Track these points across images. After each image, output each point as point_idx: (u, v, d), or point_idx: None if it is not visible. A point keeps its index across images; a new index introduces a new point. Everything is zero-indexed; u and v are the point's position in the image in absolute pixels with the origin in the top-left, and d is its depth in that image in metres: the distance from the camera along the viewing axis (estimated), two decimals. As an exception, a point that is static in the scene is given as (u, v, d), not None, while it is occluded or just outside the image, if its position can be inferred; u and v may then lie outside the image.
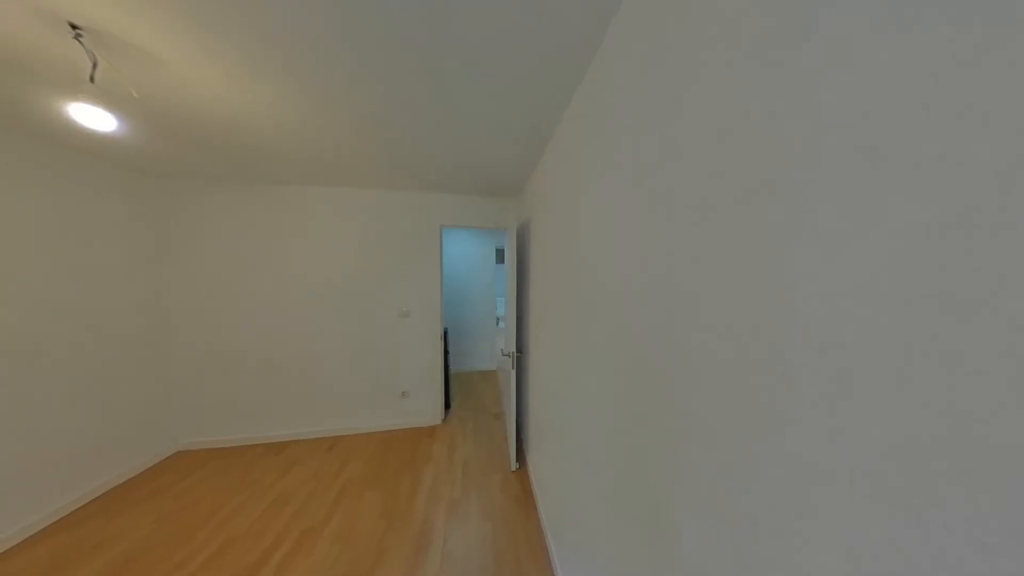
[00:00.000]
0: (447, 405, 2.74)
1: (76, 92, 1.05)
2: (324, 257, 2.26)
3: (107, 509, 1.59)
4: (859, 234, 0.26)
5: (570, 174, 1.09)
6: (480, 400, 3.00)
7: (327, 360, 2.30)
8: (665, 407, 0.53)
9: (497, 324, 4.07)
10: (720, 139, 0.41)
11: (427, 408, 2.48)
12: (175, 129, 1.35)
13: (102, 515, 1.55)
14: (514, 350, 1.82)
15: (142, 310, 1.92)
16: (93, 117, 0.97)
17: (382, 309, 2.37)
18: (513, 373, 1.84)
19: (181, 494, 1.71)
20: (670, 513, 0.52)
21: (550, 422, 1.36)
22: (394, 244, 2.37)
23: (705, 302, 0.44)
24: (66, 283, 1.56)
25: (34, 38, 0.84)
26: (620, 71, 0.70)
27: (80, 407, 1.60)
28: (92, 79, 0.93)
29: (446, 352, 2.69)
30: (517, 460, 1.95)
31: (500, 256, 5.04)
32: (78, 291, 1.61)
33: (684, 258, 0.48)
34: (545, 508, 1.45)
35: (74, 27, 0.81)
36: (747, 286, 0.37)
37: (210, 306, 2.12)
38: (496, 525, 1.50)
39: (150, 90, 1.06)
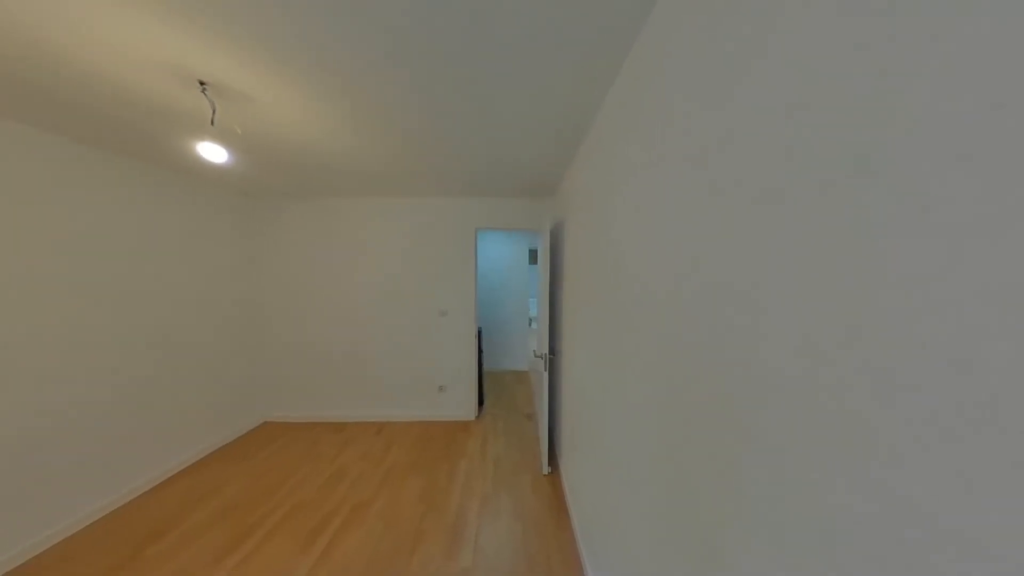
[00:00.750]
0: (480, 402, 2.82)
1: (201, 133, 1.33)
2: (375, 260, 2.51)
3: (216, 464, 1.98)
4: (1013, 221, 0.19)
5: (608, 168, 1.03)
6: (512, 399, 3.02)
7: (377, 353, 2.54)
8: (722, 427, 0.47)
9: (530, 325, 4.06)
10: (804, 108, 0.35)
11: (462, 403, 2.59)
12: (265, 157, 1.62)
13: (213, 468, 1.94)
14: (546, 351, 1.79)
15: (242, 306, 2.36)
16: (212, 152, 1.21)
17: (423, 308, 2.54)
18: (545, 375, 1.81)
19: (266, 459, 2.05)
20: (725, 547, 0.45)
21: (585, 429, 1.30)
22: (433, 247, 2.52)
23: (775, 308, 0.37)
24: (190, 284, 1.99)
25: (174, 93, 1.08)
26: (671, 43, 0.64)
27: (197, 384, 2.03)
28: (212, 122, 1.17)
29: (480, 351, 2.77)
30: (549, 463, 1.91)
31: (533, 257, 5.03)
32: (197, 291, 2.04)
33: (746, 256, 0.42)
34: (579, 518, 1.39)
35: (202, 83, 1.02)
36: (831, 289, 0.31)
37: (289, 303, 2.51)
38: (527, 527, 1.49)
39: (249, 127, 1.30)
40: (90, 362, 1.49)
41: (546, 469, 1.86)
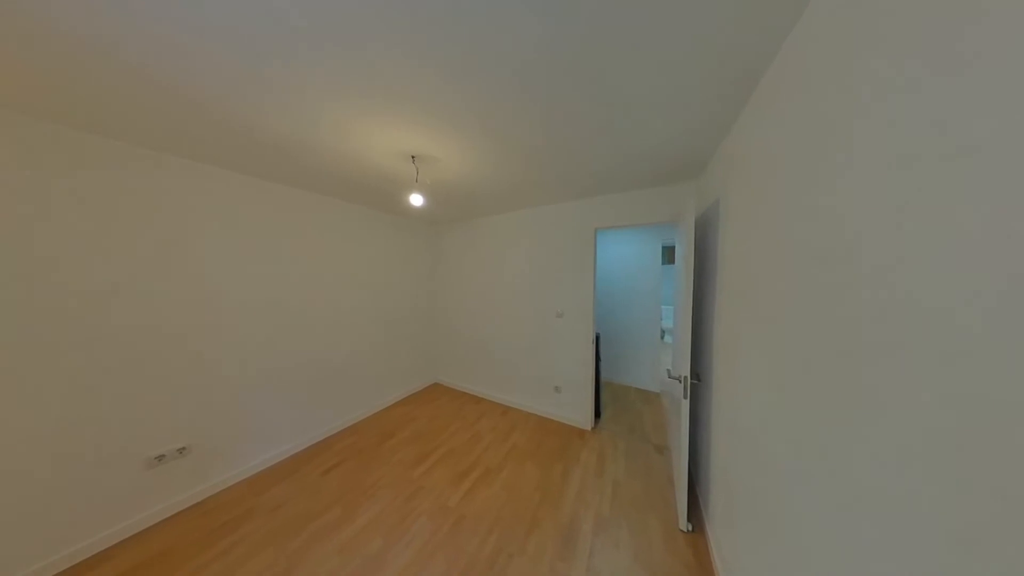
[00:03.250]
0: (597, 413, 2.63)
1: (411, 188, 2.03)
2: (504, 265, 2.94)
3: (411, 403, 2.98)
4: None
5: (814, 111, 0.67)
6: (637, 421, 2.61)
7: (504, 345, 2.95)
8: None
9: (662, 338, 3.36)
10: None
11: (578, 409, 2.51)
12: (439, 195, 2.27)
13: (410, 405, 2.93)
14: (687, 375, 1.40)
15: (426, 300, 3.43)
16: (416, 199, 1.82)
17: (541, 309, 2.68)
18: (686, 404, 1.42)
19: (435, 408, 2.86)
20: None
21: (755, 501, 0.91)
22: (551, 251, 2.61)
23: None
24: (400, 284, 3.11)
25: (398, 165, 1.72)
26: None
27: (400, 349, 3.13)
28: (416, 180, 1.77)
29: (598, 358, 2.58)
30: (690, 520, 1.49)
31: (670, 256, 4.19)
32: (403, 289, 3.14)
33: None
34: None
35: (412, 156, 1.56)
36: None
37: (451, 299, 3.40)
38: (655, 584, 1.22)
39: (433, 177, 1.85)
40: (351, 329, 2.66)
41: (685, 526, 1.45)
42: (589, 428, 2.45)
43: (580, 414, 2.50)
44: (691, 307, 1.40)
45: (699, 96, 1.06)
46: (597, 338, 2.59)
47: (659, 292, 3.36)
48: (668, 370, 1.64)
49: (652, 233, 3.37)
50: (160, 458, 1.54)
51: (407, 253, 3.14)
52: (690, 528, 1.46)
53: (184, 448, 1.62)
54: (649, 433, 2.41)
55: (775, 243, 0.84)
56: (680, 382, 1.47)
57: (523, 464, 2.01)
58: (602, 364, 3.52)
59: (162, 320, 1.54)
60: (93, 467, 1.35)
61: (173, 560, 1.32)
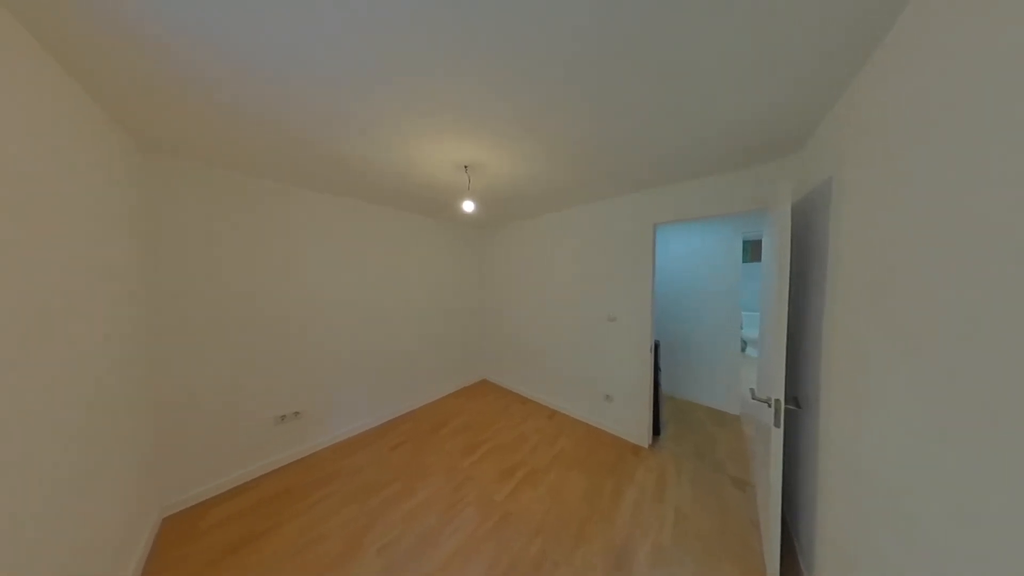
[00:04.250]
0: (656, 431, 2.35)
1: (463, 196, 2.18)
2: (551, 266, 2.88)
3: (460, 397, 3.18)
4: None
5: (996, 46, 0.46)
6: (707, 445, 2.24)
7: (551, 348, 2.90)
8: None
9: (743, 350, 2.80)
10: None
11: (632, 422, 2.29)
12: (487, 199, 2.37)
13: (459, 398, 3.13)
14: (779, 398, 1.13)
15: (474, 300, 3.62)
16: (467, 206, 1.93)
17: (590, 311, 2.54)
18: (777, 433, 1.15)
19: (482, 404, 2.99)
20: None
21: None
22: (602, 250, 2.45)
23: None
24: (452, 284, 3.34)
25: (452, 175, 1.85)
26: None
27: (451, 345, 3.35)
28: (468, 188, 1.89)
29: (656, 368, 2.31)
30: (784, 578, 1.20)
31: (755, 252, 3.53)
32: (454, 289, 3.37)
33: None
34: None
35: (465, 166, 1.67)
36: None
37: (499, 299, 3.51)
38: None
39: (482, 182, 1.94)
40: (410, 325, 2.95)
41: (776, 582, 1.18)
42: (646, 445, 2.21)
43: (635, 428, 2.27)
44: (786, 314, 1.13)
45: (800, 53, 0.85)
46: (656, 346, 2.32)
47: (738, 295, 2.81)
48: (752, 390, 1.35)
49: (728, 225, 2.86)
50: (283, 418, 2.00)
51: (457, 256, 3.36)
52: (784, 588, 1.17)
53: (298, 413, 2.07)
54: (723, 462, 2.04)
55: (934, 231, 0.61)
56: (769, 406, 1.20)
57: (570, 471, 1.93)
58: (662, 376, 3.14)
59: (285, 314, 1.99)
60: (243, 418, 1.83)
61: (291, 497, 1.70)
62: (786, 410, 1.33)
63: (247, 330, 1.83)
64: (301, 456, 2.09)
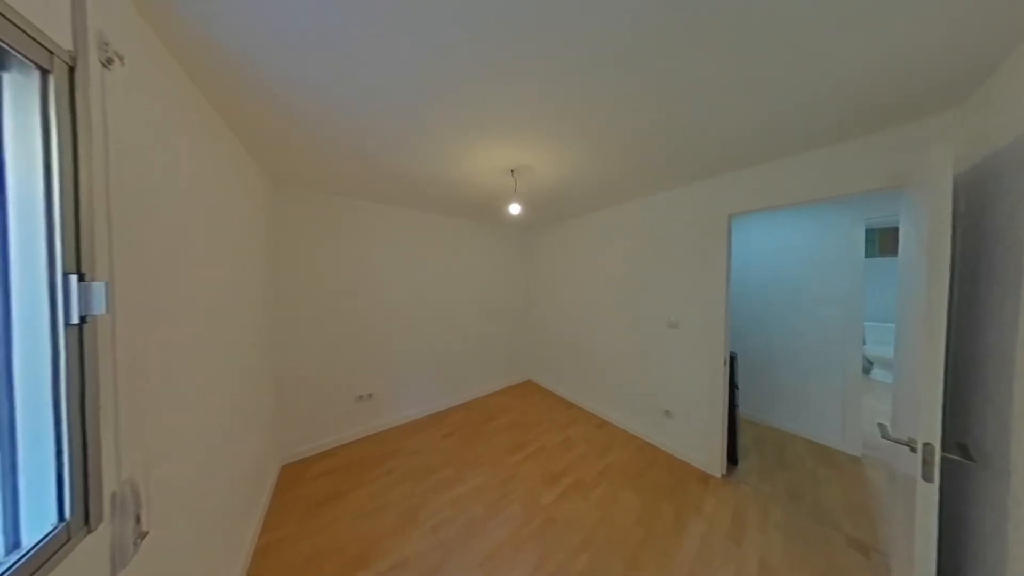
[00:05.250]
0: (732, 459, 1.98)
1: (509, 199, 2.24)
2: (601, 266, 2.72)
3: (506, 395, 3.25)
4: None
5: None
6: (808, 488, 1.78)
7: (600, 353, 2.73)
8: None
9: (866, 372, 2.14)
10: None
11: (697, 444, 1.98)
12: (533, 201, 2.38)
13: (505, 396, 3.20)
14: (933, 442, 0.82)
15: (521, 300, 3.66)
16: (514, 209, 1.99)
17: (647, 316, 2.31)
18: (929, 489, 0.83)
19: (528, 403, 3.00)
20: None
21: None
22: (661, 247, 2.20)
23: None
24: (497, 287, 3.43)
25: (500, 179, 1.91)
26: None
27: (497, 344, 3.44)
28: (515, 191, 1.94)
29: (733, 386, 1.95)
30: None
31: (883, 244, 2.81)
32: (500, 292, 3.46)
33: None
34: None
35: (512, 170, 1.72)
36: None
37: (544, 300, 3.48)
38: None
39: (528, 184, 1.97)
40: (460, 323, 3.11)
41: None
42: (717, 474, 1.88)
43: (702, 452, 1.96)
44: (944, 327, 0.82)
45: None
46: (732, 360, 1.96)
47: (862, 301, 2.17)
48: (883, 425, 1.01)
49: (843, 211, 2.24)
50: (360, 398, 2.36)
51: (503, 258, 3.46)
52: None
53: (371, 395, 2.42)
54: (835, 514, 1.59)
55: None
56: (914, 450, 0.88)
57: (621, 489, 1.77)
58: (741, 395, 2.63)
59: (361, 309, 2.36)
60: (333, 394, 2.23)
61: (363, 467, 2.00)
62: (945, 460, 0.95)
63: (335, 322, 2.23)
64: (372, 432, 2.43)
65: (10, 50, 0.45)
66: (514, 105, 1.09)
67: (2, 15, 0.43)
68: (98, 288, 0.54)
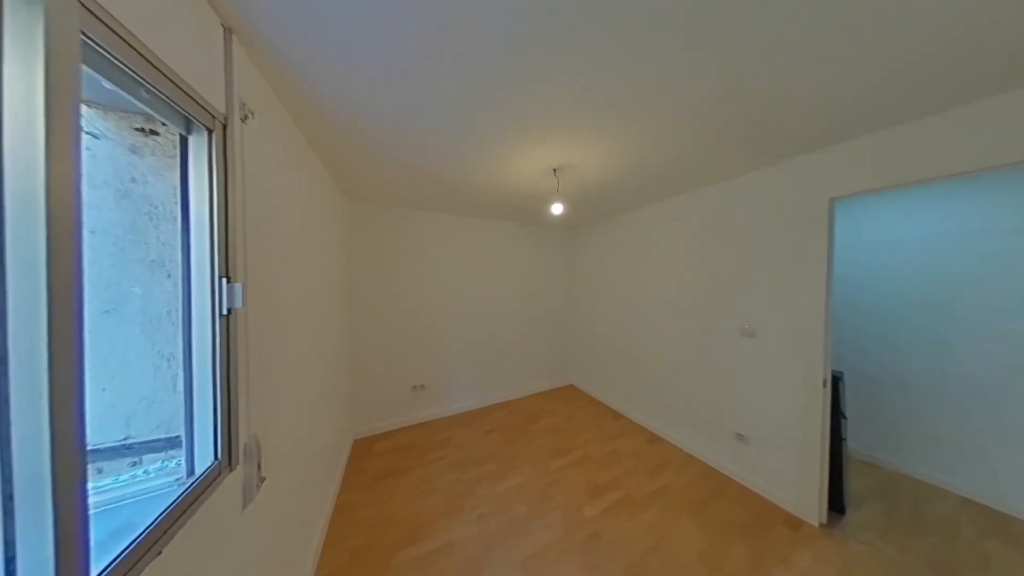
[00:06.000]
0: (839, 507, 1.58)
1: (552, 199, 2.21)
2: (657, 265, 2.47)
3: (547, 397, 3.20)
4: None
5: None
6: (969, 568, 1.30)
7: (652, 360, 2.48)
8: None
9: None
10: None
11: (785, 480, 1.64)
12: (577, 199, 2.30)
13: (547, 398, 3.15)
14: None
15: (562, 301, 3.57)
16: (557, 208, 1.96)
17: (714, 321, 2.00)
18: None
19: (572, 409, 2.90)
20: None
21: None
22: (733, 241, 1.89)
23: None
24: (535, 291, 3.40)
25: (542, 180, 1.90)
26: None
27: (539, 345, 3.41)
28: (557, 190, 1.91)
29: (839, 414, 1.56)
30: None
31: None
32: (540, 295, 3.42)
33: None
34: None
35: (554, 170, 1.70)
36: None
37: (589, 302, 3.33)
38: None
39: (572, 182, 1.91)
40: (503, 323, 3.17)
41: None
42: (815, 521, 1.52)
43: (791, 490, 1.61)
44: None
45: None
46: (836, 380, 1.57)
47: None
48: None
49: (1002, 185, 1.59)
50: (414, 388, 2.62)
51: (544, 258, 3.42)
52: None
53: (424, 386, 2.66)
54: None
55: None
56: None
57: (678, 516, 1.57)
58: (851, 427, 2.07)
59: (416, 307, 2.62)
60: (393, 382, 2.53)
61: (417, 451, 2.21)
62: None
63: (395, 319, 2.53)
64: (423, 420, 2.67)
65: (195, 121, 0.63)
66: (558, 102, 1.07)
67: (193, 99, 0.61)
68: (238, 288, 0.71)
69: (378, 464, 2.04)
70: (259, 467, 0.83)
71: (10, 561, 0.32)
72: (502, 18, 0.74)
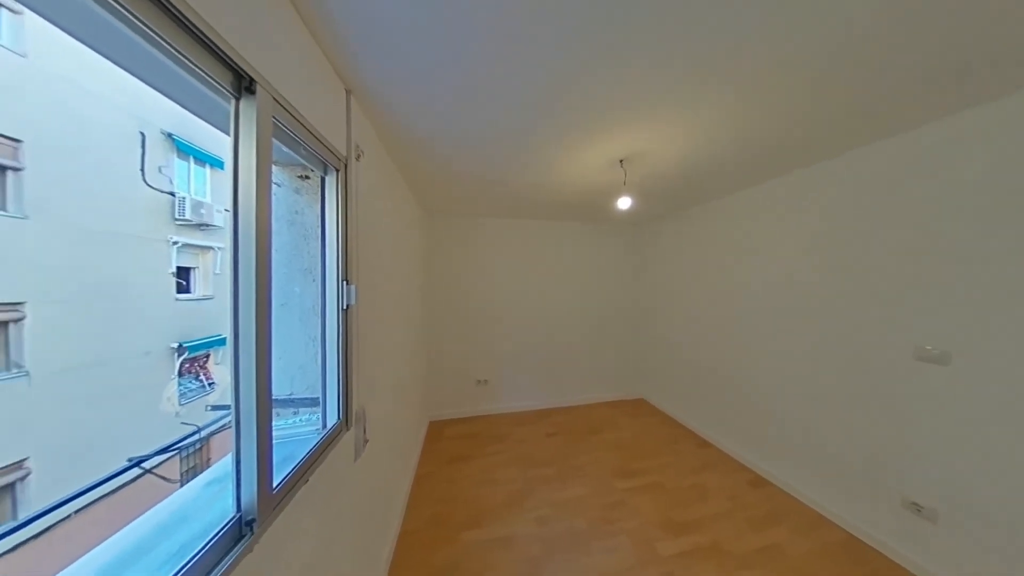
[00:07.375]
0: None
1: (618, 193, 2.04)
2: (761, 260, 1.99)
3: (613, 408, 2.95)
4: None
5: None
6: None
7: (762, 382, 1.98)
8: None
9: None
10: None
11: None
12: (647, 191, 2.05)
13: (611, 410, 2.90)
14: None
15: (629, 311, 3.24)
16: (624, 203, 1.79)
17: (867, 339, 1.46)
18: None
19: (642, 425, 2.60)
20: None
21: None
22: (905, 223, 1.34)
23: None
24: (599, 293, 3.17)
25: (606, 174, 1.77)
26: None
27: (598, 355, 3.16)
28: (624, 183, 1.76)
29: None
30: None
31: None
32: (604, 298, 3.17)
33: None
34: None
35: (620, 161, 1.58)
36: None
37: (663, 307, 2.93)
38: None
39: (640, 172, 1.72)
40: (564, 325, 3.06)
41: None
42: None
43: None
44: None
45: None
46: None
47: None
48: None
49: None
50: (479, 382, 2.83)
51: (609, 258, 3.18)
52: None
53: (487, 380, 2.85)
54: None
55: None
56: None
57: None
58: None
59: (482, 307, 2.84)
60: (461, 375, 2.80)
61: (479, 441, 2.37)
62: None
63: (464, 316, 2.79)
64: (486, 414, 2.84)
65: (330, 164, 0.86)
66: (627, 87, 0.98)
67: (329, 149, 0.83)
68: (354, 290, 0.92)
69: (448, 447, 2.28)
70: (364, 430, 1.04)
71: (238, 462, 0.50)
72: (570, 18, 0.73)
